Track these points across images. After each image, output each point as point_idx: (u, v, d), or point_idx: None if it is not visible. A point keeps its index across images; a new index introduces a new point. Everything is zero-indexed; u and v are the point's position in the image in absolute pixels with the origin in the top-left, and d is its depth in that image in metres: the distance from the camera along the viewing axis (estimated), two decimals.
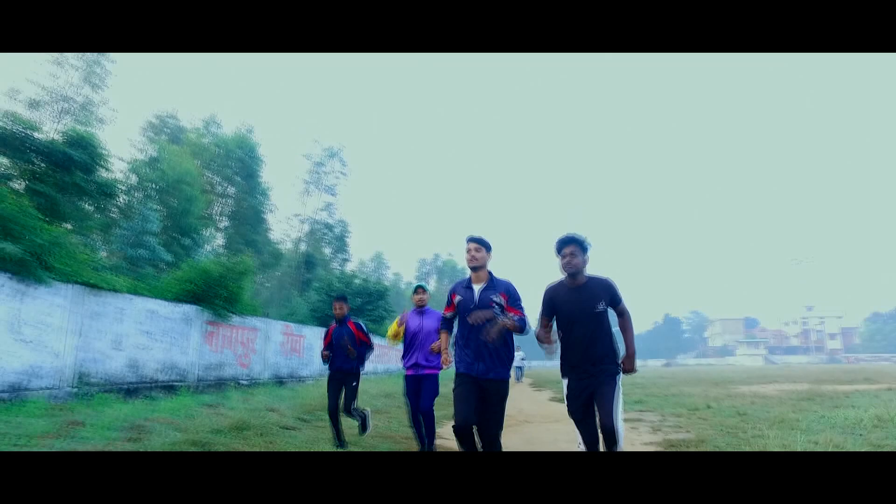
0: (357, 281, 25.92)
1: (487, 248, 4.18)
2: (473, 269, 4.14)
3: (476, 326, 3.94)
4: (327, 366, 6.42)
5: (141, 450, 5.51)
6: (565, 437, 7.18)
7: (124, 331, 10.90)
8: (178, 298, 12.71)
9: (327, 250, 39.69)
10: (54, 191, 11.93)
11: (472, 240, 4.16)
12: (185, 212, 19.98)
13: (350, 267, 41.72)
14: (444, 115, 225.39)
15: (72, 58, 23.37)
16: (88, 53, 25.04)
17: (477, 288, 4.09)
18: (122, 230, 16.60)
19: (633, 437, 7.16)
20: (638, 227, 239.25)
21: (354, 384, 6.32)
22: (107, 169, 14.07)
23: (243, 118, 62.29)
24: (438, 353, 5.22)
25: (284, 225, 40.68)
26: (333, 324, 6.53)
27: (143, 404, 9.62)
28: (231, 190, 27.78)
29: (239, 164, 27.44)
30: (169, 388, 11.88)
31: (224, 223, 26.71)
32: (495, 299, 3.98)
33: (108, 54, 25.59)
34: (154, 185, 21.03)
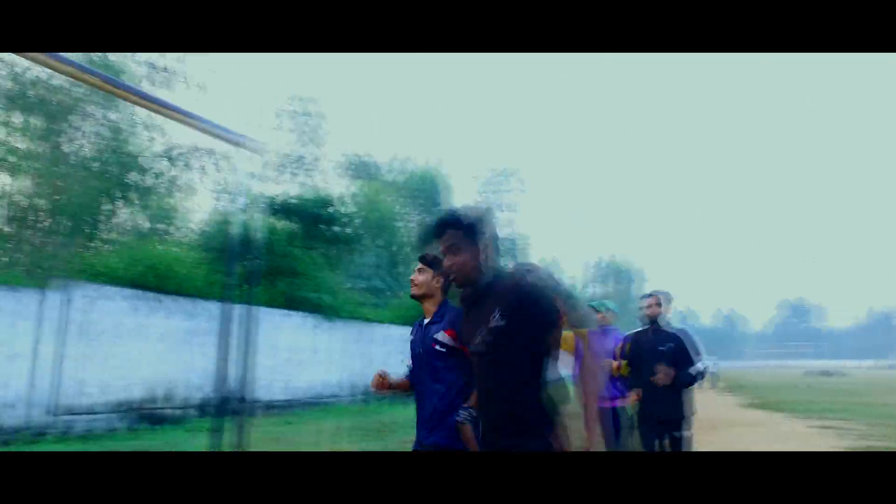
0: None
1: (434, 266, 2.93)
2: (414, 297, 3.00)
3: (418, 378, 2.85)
4: None
5: None
6: (765, 439, 8.30)
7: (386, 352, 14.02)
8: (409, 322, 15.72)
9: (511, 264, 42.23)
10: (322, 244, 15.60)
11: (419, 258, 3.02)
12: (395, 243, 23.54)
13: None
14: (600, 114, 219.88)
15: (288, 120, 28.69)
16: (309, 114, 30.24)
17: (425, 324, 2.93)
18: (356, 266, 20.38)
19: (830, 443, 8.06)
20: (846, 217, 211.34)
21: None
22: (347, 220, 17.66)
23: (431, 150, 66.81)
24: (616, 379, 4.98)
25: None
26: None
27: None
28: (423, 218, 31.56)
29: (428, 194, 31.04)
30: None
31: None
32: (439, 338, 2.79)
33: (321, 109, 30.66)
34: (368, 222, 24.98)
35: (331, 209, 16.81)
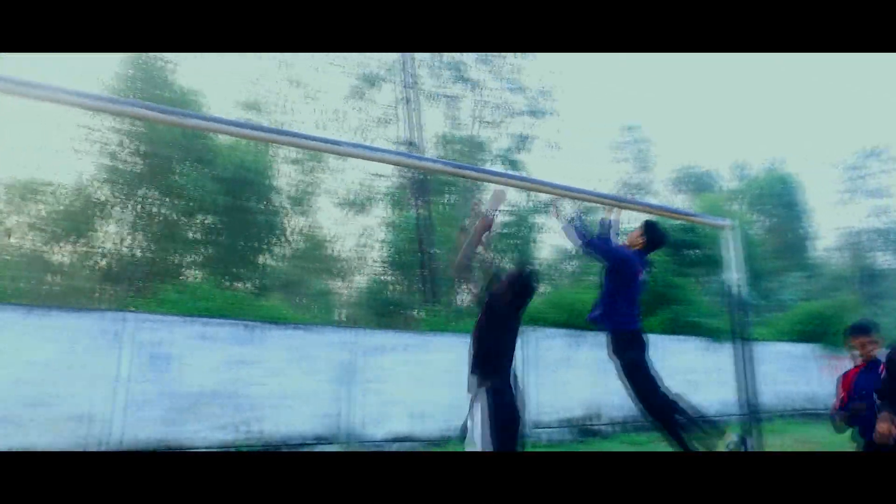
0: None
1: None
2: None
3: None
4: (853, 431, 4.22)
5: None
6: None
7: (767, 370, 13.91)
8: (795, 339, 15.15)
9: (884, 258, 35.69)
10: (688, 267, 16.39)
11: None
12: (752, 255, 22.58)
13: None
14: None
15: (626, 152, 30.25)
16: (642, 140, 31.38)
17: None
18: (716, 283, 20.38)
19: None
20: None
21: None
22: (703, 240, 17.97)
23: (772, 152, 60.65)
24: None
25: (824, 241, 38.65)
26: (855, 366, 4.41)
27: (808, 427, 12.22)
28: (772, 223, 29.22)
29: (776, 198, 28.72)
30: (804, 413, 14.26)
31: (781, 261, 28.04)
32: None
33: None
34: (718, 237, 24.54)
35: (692, 233, 17.40)
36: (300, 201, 19.95)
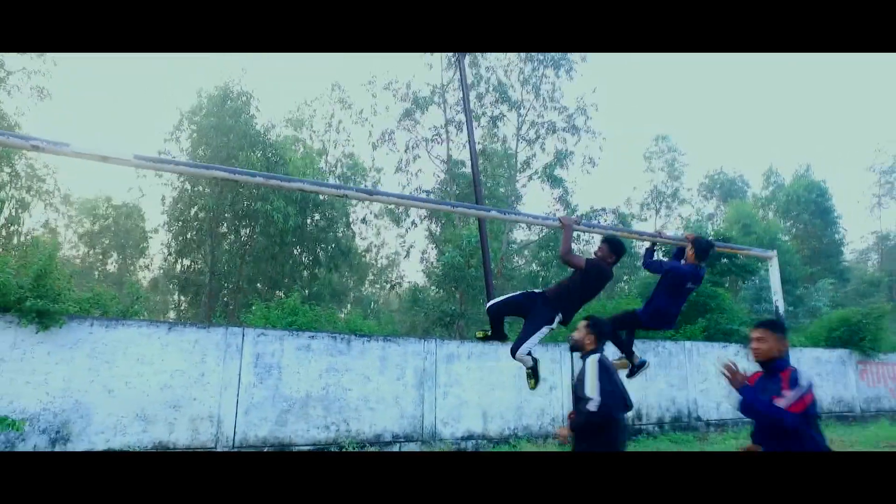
0: None
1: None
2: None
3: None
4: None
5: None
6: None
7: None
8: (826, 344, 15.89)
9: None
10: (718, 276, 17.19)
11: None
12: (783, 263, 23.20)
13: None
14: None
15: (657, 161, 31.02)
16: (674, 150, 32.11)
17: None
18: (745, 290, 21.11)
19: None
20: None
21: None
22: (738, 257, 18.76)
23: (800, 160, 60.58)
24: None
25: (857, 244, 38.78)
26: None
27: (842, 429, 12.97)
28: (805, 229, 29.67)
29: (806, 204, 29.21)
30: (838, 417, 14.98)
31: (811, 267, 28.43)
32: None
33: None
34: (750, 242, 25.18)
35: (721, 240, 18.20)
36: (349, 214, 21.21)
